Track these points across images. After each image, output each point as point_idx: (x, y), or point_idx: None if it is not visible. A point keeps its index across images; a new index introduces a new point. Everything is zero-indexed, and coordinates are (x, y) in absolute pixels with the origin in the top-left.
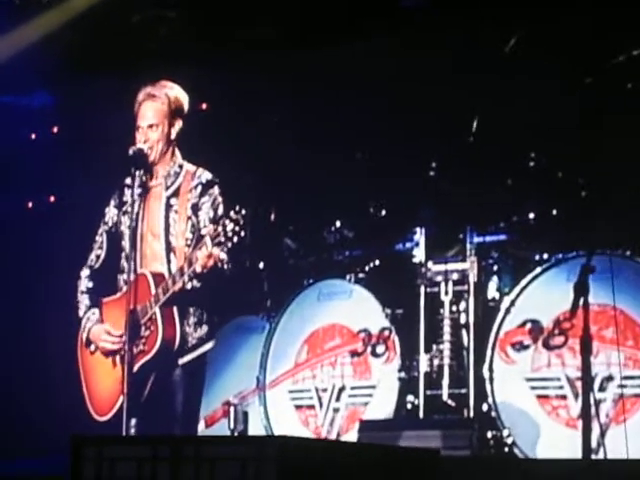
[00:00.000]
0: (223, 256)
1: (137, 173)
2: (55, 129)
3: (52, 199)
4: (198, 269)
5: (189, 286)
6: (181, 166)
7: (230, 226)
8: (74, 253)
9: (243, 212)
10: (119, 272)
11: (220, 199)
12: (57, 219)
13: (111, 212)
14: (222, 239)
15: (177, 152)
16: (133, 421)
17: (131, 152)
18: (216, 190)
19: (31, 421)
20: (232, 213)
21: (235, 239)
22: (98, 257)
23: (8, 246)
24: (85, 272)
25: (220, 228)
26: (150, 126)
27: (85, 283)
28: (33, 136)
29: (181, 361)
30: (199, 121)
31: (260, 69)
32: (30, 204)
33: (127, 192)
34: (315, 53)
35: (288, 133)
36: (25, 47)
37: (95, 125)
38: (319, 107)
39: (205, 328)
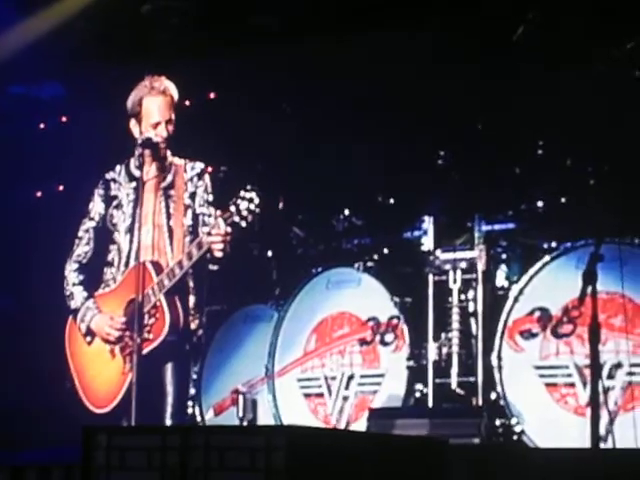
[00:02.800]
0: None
1: (122, 167)
2: (64, 119)
3: (61, 188)
4: (219, 254)
5: (190, 273)
6: (171, 162)
7: (244, 204)
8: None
9: (255, 189)
10: (107, 266)
11: (210, 186)
12: (66, 208)
13: (97, 207)
14: (236, 219)
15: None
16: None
17: (140, 140)
18: (207, 177)
19: (32, 414)
20: (243, 192)
21: (250, 218)
22: (86, 253)
23: (18, 235)
24: (73, 266)
25: (233, 208)
26: (167, 121)
27: (75, 276)
28: (42, 126)
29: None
30: (210, 110)
31: (269, 58)
32: (39, 193)
33: (114, 186)
34: (325, 42)
35: (296, 122)
36: (35, 38)
37: (103, 115)
38: (328, 96)
39: (197, 317)
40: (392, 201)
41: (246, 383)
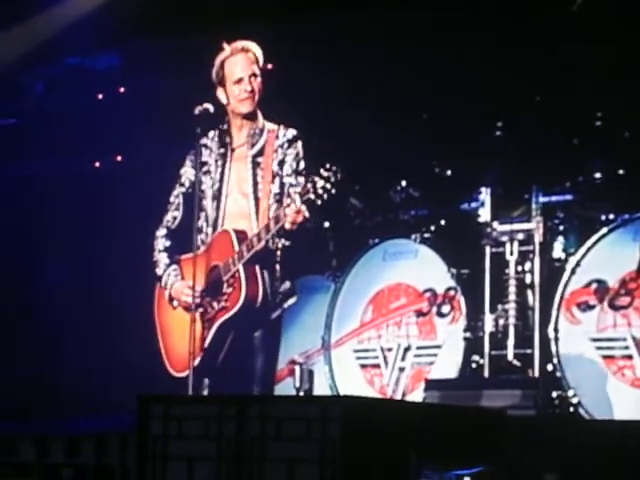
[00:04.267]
0: (306, 214)
1: (215, 133)
2: (122, 89)
3: (119, 158)
4: (287, 226)
5: (273, 244)
6: (263, 125)
7: (320, 183)
8: (142, 211)
9: (334, 169)
10: (197, 232)
11: (302, 153)
12: (124, 178)
13: (187, 173)
14: (312, 196)
15: (259, 112)
16: (207, 380)
17: (197, 111)
18: (299, 144)
19: (107, 379)
20: (322, 170)
21: (325, 196)
22: (175, 218)
23: (78, 205)
24: (162, 232)
25: (310, 185)
26: (251, 76)
27: (163, 242)
28: (100, 96)
29: (273, 316)
30: (270, 80)
31: (329, 29)
32: (98, 164)
33: (205, 152)
34: (382, 13)
35: (354, 92)
36: (91, 8)
37: (160, 85)
38: (386, 67)
39: (288, 284)
40: (449, 172)
41: (303, 354)
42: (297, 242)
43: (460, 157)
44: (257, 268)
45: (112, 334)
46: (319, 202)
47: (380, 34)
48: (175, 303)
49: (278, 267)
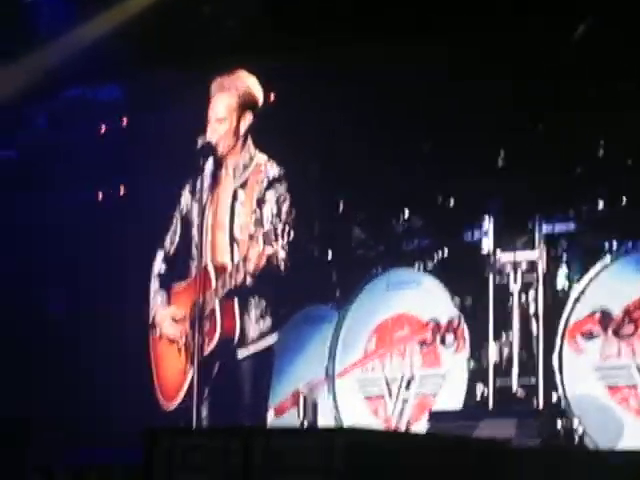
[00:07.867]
0: (282, 254)
1: (207, 164)
2: (124, 121)
3: (122, 191)
4: (251, 267)
5: (247, 280)
6: (252, 158)
7: (280, 227)
8: (144, 244)
9: (294, 212)
10: (191, 258)
11: (287, 195)
12: (127, 210)
13: (185, 197)
14: (272, 237)
15: (249, 143)
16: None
17: (199, 145)
18: (283, 187)
19: (103, 410)
20: (282, 213)
21: (285, 239)
22: (173, 241)
23: (80, 238)
24: (159, 255)
25: (270, 227)
26: (218, 120)
27: (159, 266)
28: (103, 128)
29: (241, 354)
30: (268, 112)
31: (328, 60)
32: (100, 196)
33: (199, 180)
34: (382, 44)
35: (356, 123)
36: (94, 40)
37: (164, 117)
38: (388, 97)
39: (268, 321)
40: (452, 202)
41: (307, 384)
42: (269, 281)
43: (463, 186)
44: (233, 304)
45: (117, 365)
46: (280, 243)
47: (381, 64)
48: (156, 331)
49: (253, 303)
